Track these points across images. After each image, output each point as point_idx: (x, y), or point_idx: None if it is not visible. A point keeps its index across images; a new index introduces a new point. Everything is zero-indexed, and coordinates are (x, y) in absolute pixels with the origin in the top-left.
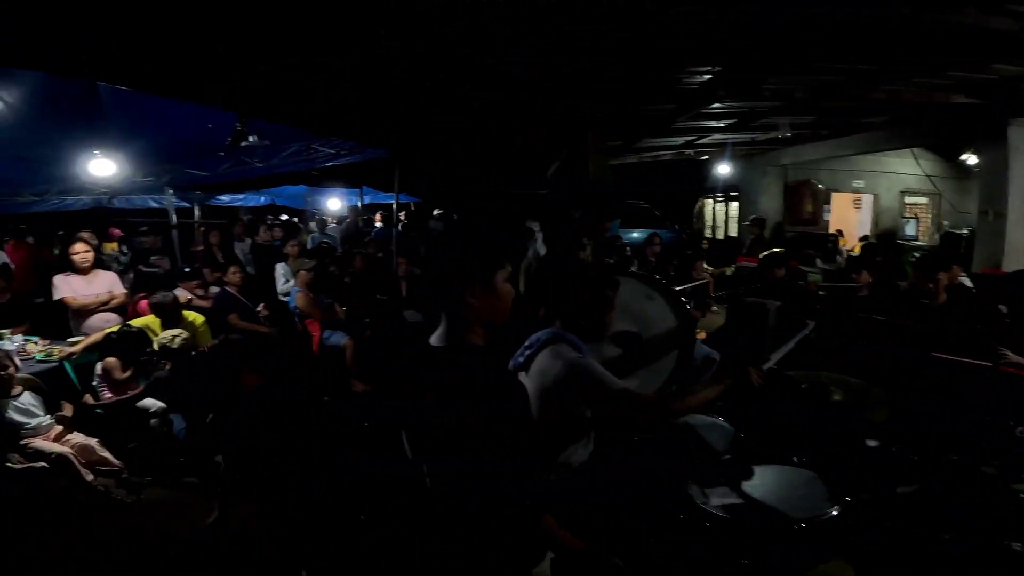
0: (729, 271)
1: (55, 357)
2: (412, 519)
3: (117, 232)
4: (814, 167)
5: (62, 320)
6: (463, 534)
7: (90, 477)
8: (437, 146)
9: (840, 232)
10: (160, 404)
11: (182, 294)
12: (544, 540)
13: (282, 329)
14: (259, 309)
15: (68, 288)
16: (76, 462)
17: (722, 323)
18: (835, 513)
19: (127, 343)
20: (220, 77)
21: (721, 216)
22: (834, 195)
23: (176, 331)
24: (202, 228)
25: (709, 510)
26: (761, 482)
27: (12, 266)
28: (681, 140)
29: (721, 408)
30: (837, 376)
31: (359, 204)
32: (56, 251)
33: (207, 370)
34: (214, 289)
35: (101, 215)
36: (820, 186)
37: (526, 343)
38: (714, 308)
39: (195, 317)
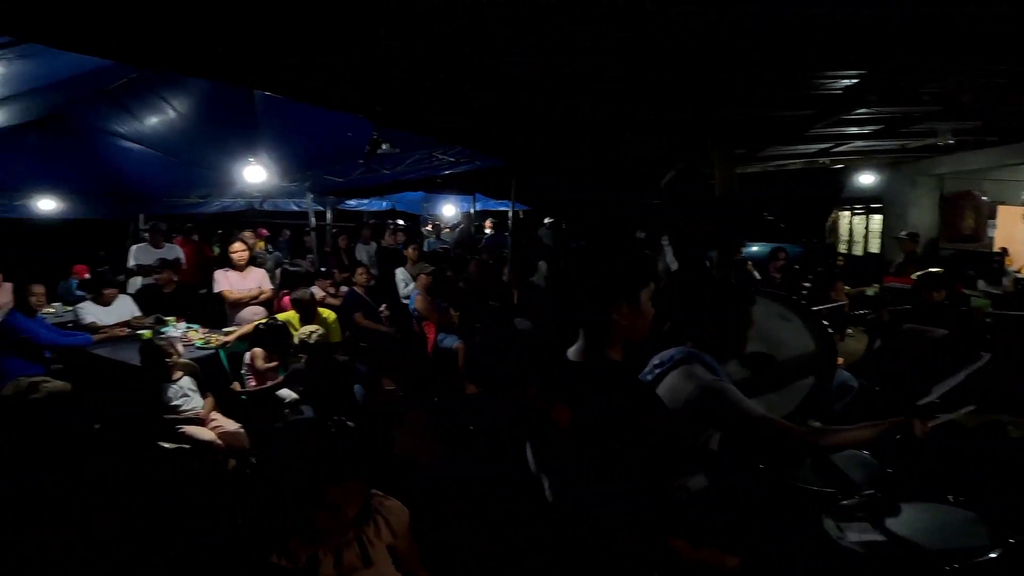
0: (871, 291)
1: (212, 345)
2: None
3: (264, 232)
4: (977, 177)
5: (219, 311)
6: (578, 548)
7: (231, 463)
8: (550, 154)
9: (1005, 250)
10: (294, 395)
11: (317, 292)
12: (664, 559)
13: (400, 329)
14: (381, 309)
15: (226, 282)
16: (220, 448)
17: (861, 349)
18: (995, 556)
19: (272, 335)
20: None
21: (859, 230)
22: (1000, 208)
23: (314, 327)
24: (332, 231)
25: (845, 545)
26: (909, 520)
27: (182, 260)
28: (815, 148)
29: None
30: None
31: (472, 211)
32: (216, 249)
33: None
34: (343, 288)
35: (251, 216)
36: (984, 198)
37: (655, 361)
38: (849, 331)
39: (328, 314)
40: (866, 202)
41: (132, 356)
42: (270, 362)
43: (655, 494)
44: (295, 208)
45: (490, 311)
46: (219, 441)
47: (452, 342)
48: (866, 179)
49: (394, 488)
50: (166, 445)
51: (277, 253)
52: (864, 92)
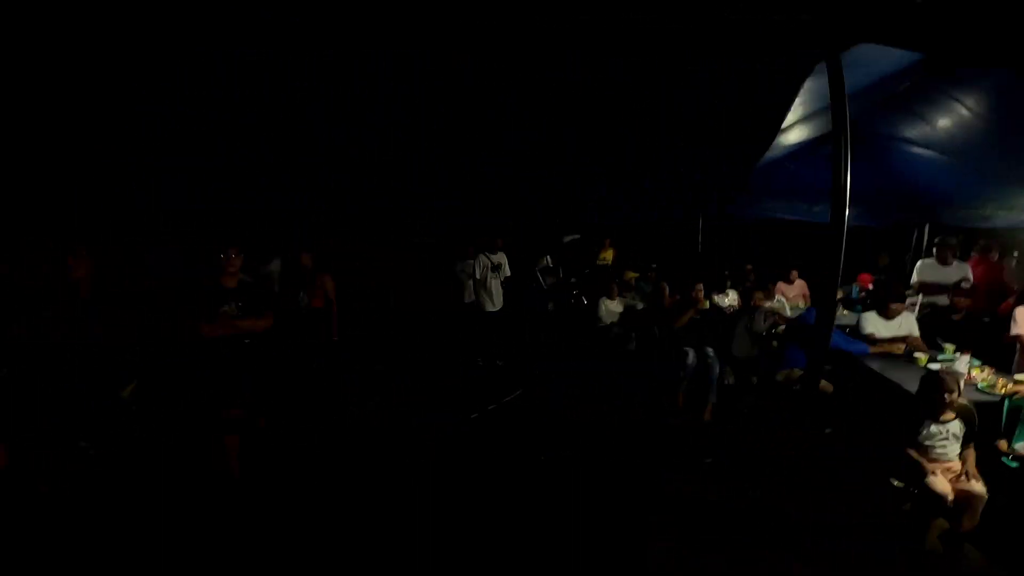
0: None
1: (997, 392)
2: None
3: None
4: None
5: (1006, 349)
6: None
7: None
8: None
9: None
10: None
11: None
12: None
13: None
14: None
15: None
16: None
17: None
18: None
19: None
20: None
21: None
22: None
23: None
24: None
25: None
26: None
27: (973, 284)
28: None
29: None
30: None
31: None
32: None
33: None
34: None
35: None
36: None
37: None
38: None
39: None
40: None
41: (904, 378)
42: None
43: None
44: None
45: None
46: (951, 499)
47: None
48: None
49: None
50: (895, 483)
51: None
52: None
